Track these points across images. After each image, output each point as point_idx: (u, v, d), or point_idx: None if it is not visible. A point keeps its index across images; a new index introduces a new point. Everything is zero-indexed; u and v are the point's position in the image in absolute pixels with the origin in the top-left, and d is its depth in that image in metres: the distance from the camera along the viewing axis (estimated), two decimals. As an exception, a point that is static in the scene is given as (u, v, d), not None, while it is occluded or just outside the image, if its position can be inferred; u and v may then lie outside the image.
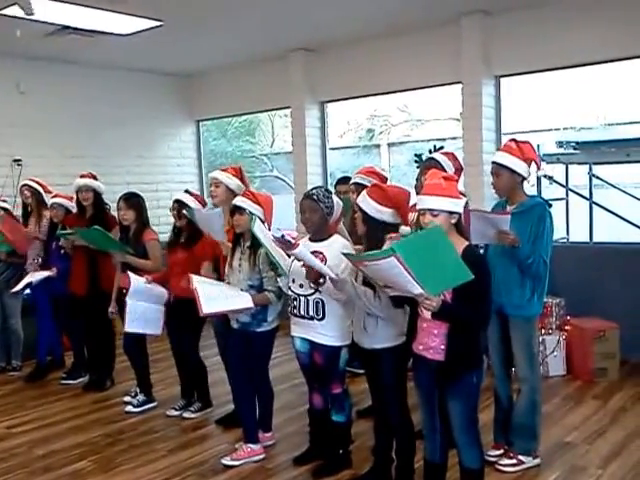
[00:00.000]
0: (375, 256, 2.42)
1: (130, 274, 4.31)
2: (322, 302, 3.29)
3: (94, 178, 5.05)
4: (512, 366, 3.56)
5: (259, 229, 3.36)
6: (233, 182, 4.14)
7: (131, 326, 4.31)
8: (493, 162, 3.40)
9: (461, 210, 2.67)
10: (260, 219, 3.58)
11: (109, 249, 4.55)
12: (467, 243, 2.70)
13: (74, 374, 5.36)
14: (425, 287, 2.41)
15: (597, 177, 6.93)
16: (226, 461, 3.69)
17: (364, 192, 3.13)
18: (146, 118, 7.93)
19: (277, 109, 8.75)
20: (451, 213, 2.64)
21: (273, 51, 6.94)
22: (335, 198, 3.45)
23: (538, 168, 3.41)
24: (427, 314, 2.63)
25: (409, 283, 2.38)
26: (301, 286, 3.34)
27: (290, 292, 3.43)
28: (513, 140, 3.41)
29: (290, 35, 6.39)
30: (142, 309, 4.29)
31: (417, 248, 2.36)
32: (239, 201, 3.63)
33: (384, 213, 3.01)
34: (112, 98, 7.48)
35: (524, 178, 3.36)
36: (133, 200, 4.57)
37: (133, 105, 7.72)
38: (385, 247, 2.80)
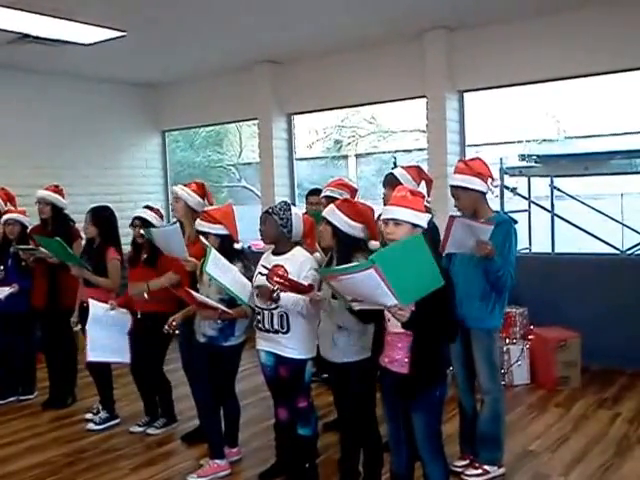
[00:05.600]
0: (353, 269, 2.37)
1: (90, 300, 4.20)
2: (286, 315, 3.27)
3: (58, 191, 4.92)
4: (475, 377, 3.59)
5: (213, 267, 3.27)
6: (193, 199, 4.08)
7: (93, 355, 4.16)
8: (450, 185, 3.45)
9: (425, 224, 2.69)
10: (225, 235, 3.54)
11: (68, 262, 4.44)
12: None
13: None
14: (399, 297, 2.39)
15: (558, 189, 7.09)
16: (192, 478, 3.64)
17: (332, 206, 3.13)
18: (111, 128, 7.82)
19: (244, 120, 8.74)
20: (415, 226, 2.66)
21: (240, 63, 6.93)
22: (295, 212, 3.39)
23: (493, 180, 3.44)
24: (394, 327, 2.63)
25: (385, 295, 2.35)
26: (265, 300, 3.32)
27: (255, 306, 3.40)
28: (461, 160, 3.55)
29: (257, 47, 6.39)
30: (103, 338, 4.14)
31: (396, 258, 2.35)
32: (199, 226, 3.58)
33: (355, 228, 3.06)
34: (76, 108, 7.38)
35: (483, 192, 3.40)
36: (99, 215, 4.46)
37: (97, 115, 7.62)
38: (354, 262, 2.79)
